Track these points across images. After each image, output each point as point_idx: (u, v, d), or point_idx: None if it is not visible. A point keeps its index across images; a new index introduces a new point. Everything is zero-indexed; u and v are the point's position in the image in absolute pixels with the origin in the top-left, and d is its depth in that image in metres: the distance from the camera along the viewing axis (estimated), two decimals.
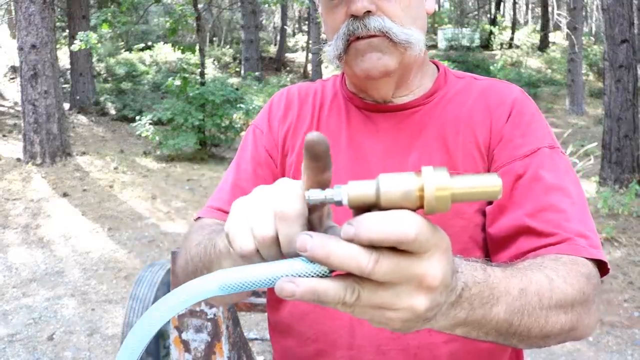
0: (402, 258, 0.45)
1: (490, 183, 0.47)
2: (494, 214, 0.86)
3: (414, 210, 0.46)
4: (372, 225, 0.43)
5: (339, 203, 0.48)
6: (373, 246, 0.44)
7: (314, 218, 0.53)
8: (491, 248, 0.87)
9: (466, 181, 0.47)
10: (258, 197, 0.56)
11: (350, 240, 0.44)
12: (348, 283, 0.45)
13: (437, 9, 25.55)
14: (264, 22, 26.05)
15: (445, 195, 0.45)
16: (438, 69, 1.01)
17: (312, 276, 0.47)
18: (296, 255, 0.48)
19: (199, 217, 0.96)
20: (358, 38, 0.87)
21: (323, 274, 0.47)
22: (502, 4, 25.71)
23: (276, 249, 0.53)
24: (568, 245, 0.77)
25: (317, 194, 0.50)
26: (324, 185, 0.50)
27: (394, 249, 0.44)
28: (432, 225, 0.45)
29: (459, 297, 0.53)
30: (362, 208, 0.47)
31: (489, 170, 0.88)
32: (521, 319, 0.61)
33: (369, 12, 0.85)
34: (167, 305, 0.49)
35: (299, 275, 0.47)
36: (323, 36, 0.99)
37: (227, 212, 0.94)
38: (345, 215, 0.49)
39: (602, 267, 0.78)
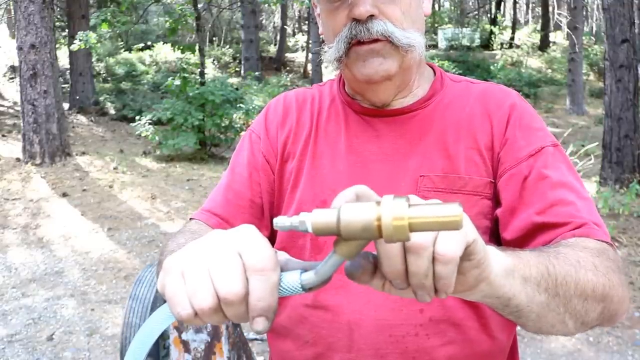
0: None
1: (450, 213, 0.45)
2: (505, 218, 0.86)
3: (375, 239, 0.48)
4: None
5: (305, 231, 0.49)
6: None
7: None
8: None
9: (425, 210, 0.46)
10: (216, 244, 0.51)
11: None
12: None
13: (436, 10, 25.52)
14: (264, 22, 26.04)
15: (402, 225, 0.45)
16: (434, 72, 1.01)
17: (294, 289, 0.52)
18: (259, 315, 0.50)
19: (192, 219, 0.97)
20: (359, 42, 0.86)
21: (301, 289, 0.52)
22: (502, 3, 25.70)
23: (245, 309, 0.50)
24: (584, 230, 0.79)
25: (283, 221, 0.51)
26: None
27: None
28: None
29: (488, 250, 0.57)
30: (328, 234, 0.48)
31: (494, 174, 0.89)
32: (555, 265, 0.64)
33: (371, 15, 0.85)
34: (162, 314, 0.53)
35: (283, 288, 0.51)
36: (322, 36, 0.98)
37: (216, 215, 0.95)
38: None
39: None
